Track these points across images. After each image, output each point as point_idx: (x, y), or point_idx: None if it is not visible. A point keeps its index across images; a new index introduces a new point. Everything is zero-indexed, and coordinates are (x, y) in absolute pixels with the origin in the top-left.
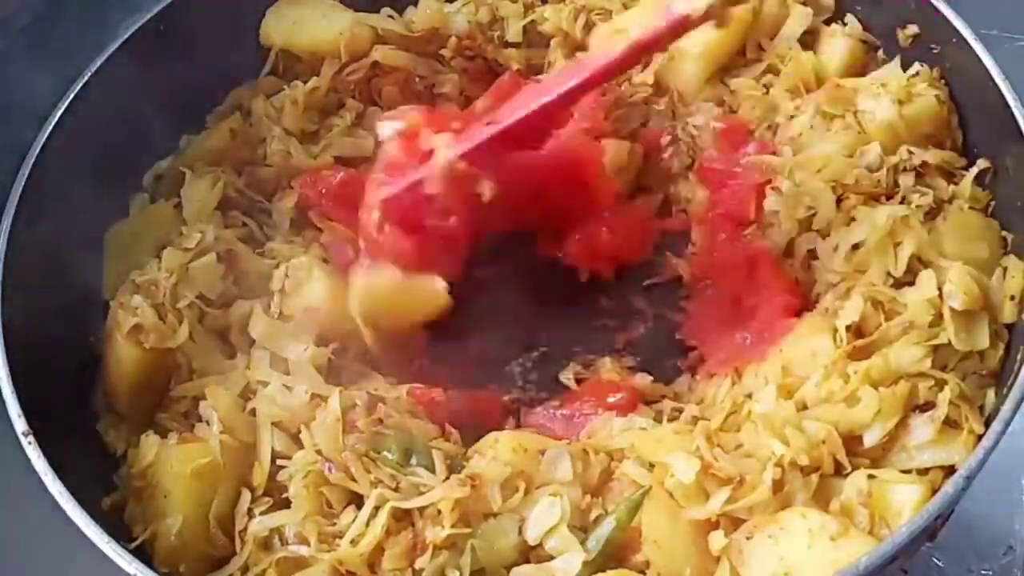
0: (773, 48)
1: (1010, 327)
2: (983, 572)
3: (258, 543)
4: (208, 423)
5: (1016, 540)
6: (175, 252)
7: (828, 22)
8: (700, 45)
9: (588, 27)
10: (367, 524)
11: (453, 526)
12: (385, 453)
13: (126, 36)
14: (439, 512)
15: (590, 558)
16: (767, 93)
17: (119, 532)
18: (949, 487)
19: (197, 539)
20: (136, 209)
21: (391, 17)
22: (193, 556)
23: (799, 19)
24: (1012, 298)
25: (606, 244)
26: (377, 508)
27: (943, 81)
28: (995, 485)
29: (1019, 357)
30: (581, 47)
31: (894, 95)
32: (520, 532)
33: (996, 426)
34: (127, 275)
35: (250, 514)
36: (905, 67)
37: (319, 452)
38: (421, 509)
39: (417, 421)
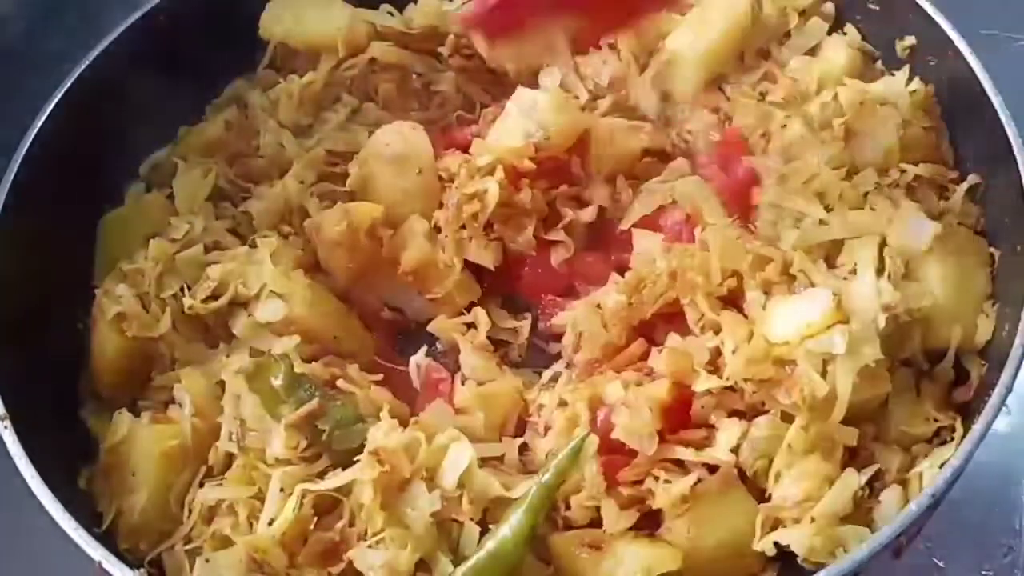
0: (780, 57)
1: (985, 357)
2: (983, 572)
3: (202, 516)
4: (181, 405)
5: (1016, 540)
6: (162, 242)
7: (828, 32)
8: (698, 51)
9: None
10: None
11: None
12: (320, 424)
13: (124, 27)
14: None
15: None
16: (762, 100)
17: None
18: (914, 505)
19: (158, 517)
20: (131, 198)
21: (390, 14)
22: (153, 533)
23: (813, 31)
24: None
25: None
26: (283, 490)
27: (936, 100)
28: (995, 485)
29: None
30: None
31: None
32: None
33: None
34: (119, 262)
35: (201, 487)
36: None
37: (242, 422)
38: (347, 496)
39: (369, 391)
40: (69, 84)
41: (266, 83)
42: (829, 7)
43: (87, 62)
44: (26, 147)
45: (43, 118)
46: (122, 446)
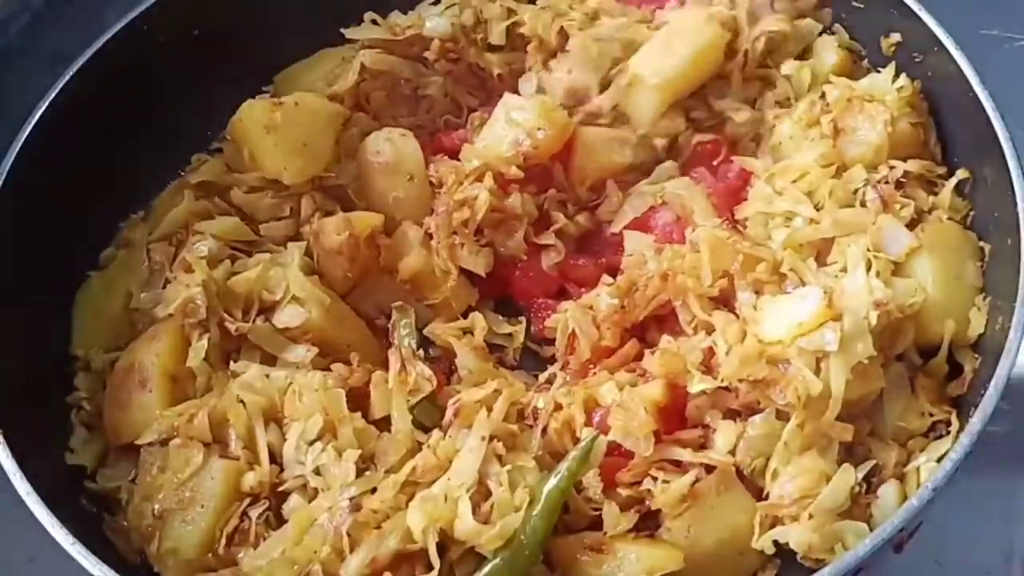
0: (772, 63)
1: (978, 351)
2: (983, 572)
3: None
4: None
5: (1016, 540)
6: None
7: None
8: (658, 76)
9: (563, 34)
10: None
11: None
12: None
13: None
14: None
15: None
16: (753, 108)
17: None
18: (915, 499)
19: (205, 552)
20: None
21: (374, 22)
22: (198, 568)
23: (806, 34)
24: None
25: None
26: None
27: (922, 96)
28: (995, 486)
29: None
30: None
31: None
32: None
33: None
34: (97, 325)
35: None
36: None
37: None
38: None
39: None
40: (53, 95)
41: None
42: (827, 12)
43: (66, 78)
44: (17, 149)
45: (32, 123)
46: (192, 481)
